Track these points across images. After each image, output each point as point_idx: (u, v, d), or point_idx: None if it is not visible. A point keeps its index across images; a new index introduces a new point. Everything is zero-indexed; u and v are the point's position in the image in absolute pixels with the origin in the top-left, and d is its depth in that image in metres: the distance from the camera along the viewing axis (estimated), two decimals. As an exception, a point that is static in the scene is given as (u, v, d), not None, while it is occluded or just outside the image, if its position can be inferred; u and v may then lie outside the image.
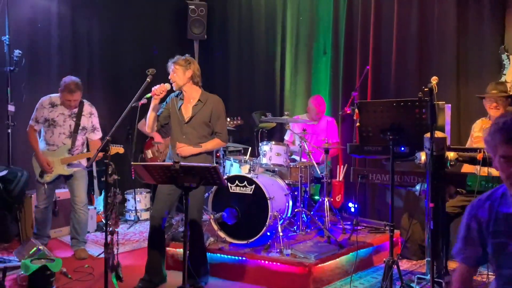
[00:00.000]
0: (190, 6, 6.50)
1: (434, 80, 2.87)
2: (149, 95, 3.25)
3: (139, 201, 5.54)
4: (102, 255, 2.83)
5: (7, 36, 4.82)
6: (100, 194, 5.26)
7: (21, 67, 4.86)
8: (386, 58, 4.76)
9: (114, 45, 5.95)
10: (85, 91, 5.67)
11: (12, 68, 4.84)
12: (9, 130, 4.78)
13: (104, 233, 2.66)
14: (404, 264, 4.04)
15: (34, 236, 4.34)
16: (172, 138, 3.49)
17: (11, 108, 4.79)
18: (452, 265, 3.86)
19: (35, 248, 3.61)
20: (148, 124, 3.40)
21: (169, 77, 3.37)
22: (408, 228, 4.12)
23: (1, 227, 4.52)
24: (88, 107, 4.25)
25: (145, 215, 5.54)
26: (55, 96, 4.16)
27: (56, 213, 4.85)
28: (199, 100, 3.41)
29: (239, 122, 4.89)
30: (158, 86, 3.28)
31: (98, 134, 4.27)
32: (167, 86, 3.32)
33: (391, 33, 4.67)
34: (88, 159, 4.25)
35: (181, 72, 3.34)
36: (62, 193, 4.80)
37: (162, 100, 3.41)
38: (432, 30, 4.44)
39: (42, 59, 5.17)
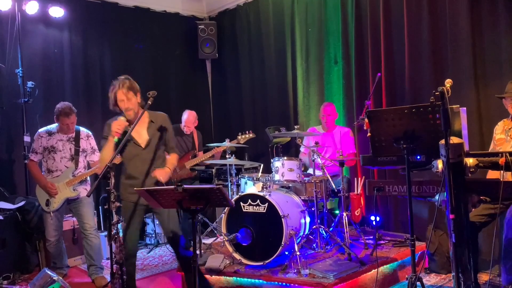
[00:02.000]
0: (199, 26, 6.54)
1: (448, 83, 2.71)
2: (116, 138, 2.97)
3: (158, 225, 5.49)
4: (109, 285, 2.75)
5: (20, 68, 4.93)
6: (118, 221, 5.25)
7: (35, 98, 4.95)
8: (399, 64, 4.60)
9: (126, 71, 5.90)
10: (99, 118, 5.78)
11: (26, 100, 4.94)
12: (26, 161, 4.84)
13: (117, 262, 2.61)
14: (432, 279, 3.81)
15: (53, 265, 4.34)
16: (132, 169, 3.18)
17: (27, 139, 4.85)
18: (484, 277, 3.63)
19: (48, 279, 3.57)
20: (104, 160, 2.96)
21: (121, 106, 3.07)
22: (434, 240, 3.90)
23: (21, 258, 4.55)
24: (84, 131, 4.32)
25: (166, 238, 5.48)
26: (50, 126, 4.23)
27: (75, 241, 4.86)
28: (150, 121, 3.21)
29: (251, 135, 4.80)
30: (117, 124, 3.01)
31: (98, 155, 4.27)
32: (123, 119, 3.07)
33: (402, 37, 4.52)
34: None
35: (133, 97, 3.12)
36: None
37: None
38: (444, 32, 4.26)
39: (55, 89, 5.26)
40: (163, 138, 3.24)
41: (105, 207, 2.52)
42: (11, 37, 4.93)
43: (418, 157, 2.91)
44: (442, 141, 2.54)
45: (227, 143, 4.60)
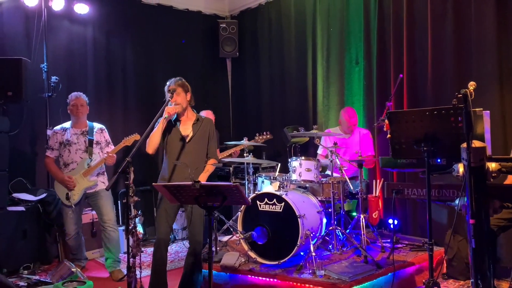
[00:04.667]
0: (221, 25, 6.56)
1: (471, 85, 2.66)
2: (166, 115, 3.31)
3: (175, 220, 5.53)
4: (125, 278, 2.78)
5: (45, 63, 5.03)
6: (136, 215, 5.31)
7: (58, 92, 5.05)
8: (422, 66, 4.53)
9: (148, 66, 6.08)
10: (121, 113, 5.86)
11: (50, 94, 5.04)
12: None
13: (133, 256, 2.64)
14: (450, 285, 3.74)
15: (71, 257, 4.42)
16: (171, 159, 3.45)
17: (49, 132, 4.95)
18: (504, 286, 3.55)
19: (67, 271, 3.64)
20: (152, 145, 3.36)
21: (171, 100, 3.35)
22: (453, 245, 3.83)
23: (41, 249, 4.65)
24: (97, 124, 4.44)
25: (183, 234, 5.53)
26: (65, 123, 4.38)
27: (94, 234, 4.94)
28: (196, 119, 3.52)
29: (268, 136, 4.80)
30: (173, 105, 3.34)
31: (112, 148, 4.36)
32: (178, 107, 3.38)
33: (426, 38, 4.45)
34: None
35: (183, 94, 3.45)
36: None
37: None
38: (469, 33, 4.17)
39: (78, 84, 5.34)
40: (206, 139, 3.52)
41: (124, 201, 2.55)
42: (37, 33, 5.04)
43: (439, 160, 2.88)
44: (464, 145, 2.50)
45: (245, 142, 4.60)
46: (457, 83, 4.16)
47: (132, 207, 2.58)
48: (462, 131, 2.60)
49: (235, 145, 5.65)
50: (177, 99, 3.39)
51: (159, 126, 3.35)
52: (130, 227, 2.57)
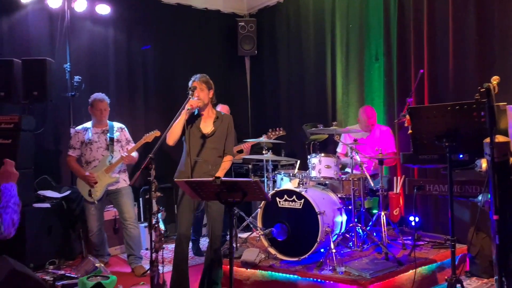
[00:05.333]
0: (239, 23, 6.58)
1: (494, 80, 2.62)
2: (189, 108, 3.37)
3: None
4: (148, 273, 2.84)
5: (68, 63, 5.14)
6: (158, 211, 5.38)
7: (81, 92, 5.15)
8: (443, 61, 4.46)
9: (167, 67, 6.15)
10: (142, 112, 5.95)
11: (73, 93, 5.15)
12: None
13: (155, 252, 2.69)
14: (473, 283, 3.69)
15: (95, 253, 4.51)
16: (191, 155, 3.49)
17: (73, 131, 5.06)
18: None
19: (91, 266, 3.72)
20: (173, 137, 3.41)
21: (194, 94, 3.40)
22: (476, 243, 3.77)
23: (65, 246, 4.75)
24: (117, 123, 4.52)
25: (204, 230, 5.55)
26: (86, 123, 4.47)
27: (116, 230, 5.03)
28: (216, 117, 3.58)
29: (281, 132, 4.79)
30: (195, 99, 3.39)
31: (133, 145, 4.43)
32: (200, 102, 3.44)
33: (447, 32, 4.38)
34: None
35: (206, 91, 3.50)
36: (119, 211, 4.96)
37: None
38: (492, 27, 4.09)
39: (100, 84, 5.44)
40: (224, 136, 3.57)
41: (147, 196, 2.60)
42: (61, 34, 5.15)
43: (461, 155, 2.85)
44: (487, 140, 2.47)
45: (263, 139, 4.62)
46: (479, 79, 4.09)
47: (154, 202, 2.63)
48: (485, 126, 2.57)
49: (253, 143, 5.67)
50: (200, 94, 3.44)
51: (181, 118, 3.38)
52: (152, 222, 2.62)
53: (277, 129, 4.81)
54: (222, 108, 5.26)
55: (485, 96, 2.47)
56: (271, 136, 4.74)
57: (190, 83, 3.50)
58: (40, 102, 4.67)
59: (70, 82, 5.14)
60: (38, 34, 5.13)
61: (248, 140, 5.11)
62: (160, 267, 2.69)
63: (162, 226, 5.07)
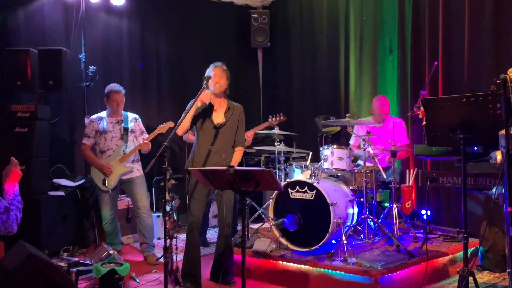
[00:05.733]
0: (252, 15, 6.58)
1: (511, 72, 2.59)
2: (199, 104, 3.40)
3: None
4: (162, 260, 2.88)
5: (83, 54, 5.19)
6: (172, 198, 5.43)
7: (95, 82, 5.21)
8: (458, 52, 4.42)
9: (180, 57, 6.18)
10: (155, 103, 5.99)
11: (88, 84, 5.21)
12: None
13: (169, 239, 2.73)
14: (485, 277, 3.68)
15: (108, 241, 4.57)
16: (201, 144, 3.53)
17: (87, 120, 5.12)
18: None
19: (105, 253, 3.79)
20: (182, 129, 3.42)
21: (213, 80, 3.45)
22: (488, 237, 3.75)
23: (79, 233, 4.83)
24: (131, 114, 4.55)
25: (213, 221, 5.61)
26: (101, 113, 4.51)
27: (128, 220, 5.09)
28: (228, 107, 3.60)
29: (282, 118, 4.78)
30: (206, 91, 3.39)
31: (146, 136, 4.47)
32: (209, 92, 3.46)
33: (462, 23, 4.33)
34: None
35: (225, 79, 3.55)
36: (132, 201, 5.01)
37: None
38: (509, 19, 4.04)
39: (114, 74, 5.49)
40: (235, 126, 3.61)
41: (161, 184, 2.64)
42: (76, 24, 5.20)
43: (475, 148, 2.83)
44: (502, 132, 2.45)
45: (276, 131, 4.63)
46: (494, 72, 4.04)
47: (169, 190, 2.66)
48: (501, 118, 2.55)
49: (265, 135, 5.69)
50: (220, 81, 3.50)
51: (191, 112, 3.40)
52: (167, 210, 2.65)
53: (277, 115, 4.81)
54: None
55: (501, 87, 2.45)
56: (273, 122, 4.75)
57: (209, 71, 3.52)
58: (56, 92, 4.73)
59: (85, 72, 5.20)
60: (54, 25, 5.19)
61: (261, 132, 5.12)
62: (173, 255, 2.72)
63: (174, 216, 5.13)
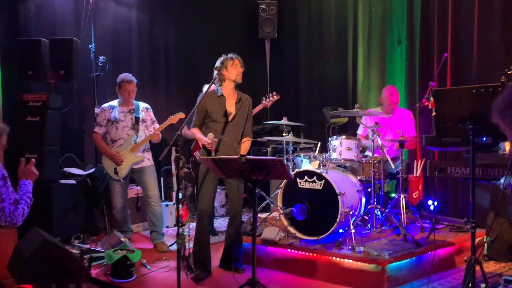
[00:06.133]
0: (261, 6, 6.57)
1: (521, 63, 2.61)
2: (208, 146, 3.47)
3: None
4: (174, 246, 2.94)
5: (93, 44, 5.23)
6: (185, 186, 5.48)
7: (105, 72, 5.25)
8: (467, 44, 4.43)
9: (189, 47, 6.21)
10: (163, 93, 6.03)
11: (97, 74, 5.25)
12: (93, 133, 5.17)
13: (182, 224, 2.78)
14: (491, 266, 3.72)
15: (118, 229, 4.64)
16: (214, 134, 3.54)
17: (97, 110, 5.17)
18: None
19: (117, 240, 3.85)
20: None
21: (235, 71, 3.53)
22: (495, 227, 3.79)
23: (90, 221, 4.91)
24: (142, 104, 4.59)
25: (220, 211, 5.67)
26: (112, 101, 4.54)
27: (138, 208, 5.16)
28: (239, 98, 3.66)
29: (275, 97, 4.82)
30: (209, 142, 3.44)
31: (158, 126, 4.51)
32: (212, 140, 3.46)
33: (472, 15, 4.33)
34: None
35: (239, 69, 3.59)
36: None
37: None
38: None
39: (123, 64, 5.53)
40: (245, 118, 3.66)
41: (175, 171, 2.68)
42: (86, 14, 5.22)
43: (484, 138, 2.85)
44: (512, 122, 2.47)
45: (284, 121, 4.66)
46: (504, 63, 4.05)
47: (181, 178, 2.71)
48: (510, 109, 2.56)
49: (273, 126, 5.73)
50: (231, 69, 3.55)
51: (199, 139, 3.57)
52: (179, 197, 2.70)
53: (271, 94, 4.84)
54: None
55: (511, 78, 2.48)
56: (267, 103, 4.78)
57: (224, 62, 3.56)
58: (67, 81, 4.77)
59: (95, 62, 5.23)
60: (64, 15, 5.21)
61: (268, 122, 5.15)
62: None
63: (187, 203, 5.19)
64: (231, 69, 3.54)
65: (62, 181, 4.65)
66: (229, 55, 3.59)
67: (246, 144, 3.68)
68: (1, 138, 2.76)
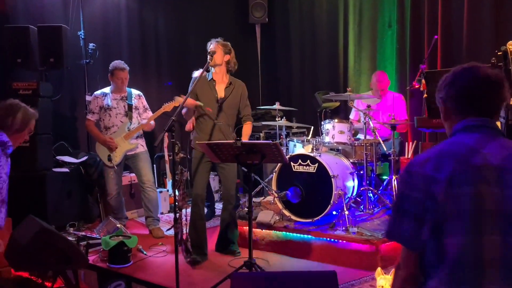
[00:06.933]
0: (250, -10, 6.53)
1: (510, 44, 2.65)
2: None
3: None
4: (171, 231, 2.97)
5: (82, 30, 5.16)
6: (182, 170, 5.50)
7: (95, 59, 5.20)
8: (457, 26, 4.47)
9: (179, 33, 6.17)
10: (155, 79, 6.00)
11: (87, 61, 5.20)
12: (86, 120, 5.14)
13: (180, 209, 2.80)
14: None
15: (113, 216, 4.65)
16: (205, 119, 3.58)
17: (88, 98, 5.13)
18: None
19: (113, 226, 3.88)
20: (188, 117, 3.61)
21: (209, 51, 3.50)
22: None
23: (84, 209, 4.91)
24: (135, 91, 4.57)
25: (216, 196, 5.70)
26: (105, 88, 4.51)
27: (132, 195, 5.18)
28: (230, 83, 3.64)
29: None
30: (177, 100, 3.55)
31: (150, 113, 4.51)
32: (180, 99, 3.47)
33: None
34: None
35: (221, 53, 3.55)
36: (136, 176, 5.08)
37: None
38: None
39: (113, 51, 5.48)
40: (237, 102, 3.65)
41: (170, 157, 2.69)
42: (74, 1, 5.15)
43: (475, 119, 2.90)
44: (502, 102, 2.52)
45: (276, 106, 4.67)
46: (494, 45, 4.09)
47: (177, 163, 2.73)
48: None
49: (265, 111, 5.73)
50: (214, 56, 3.49)
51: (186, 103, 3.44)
52: (176, 182, 2.72)
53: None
54: None
55: (501, 59, 2.52)
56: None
57: (208, 46, 3.56)
58: (57, 69, 4.72)
59: (85, 50, 5.18)
60: (52, 1, 5.14)
61: (260, 107, 5.15)
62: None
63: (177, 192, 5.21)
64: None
65: (56, 170, 4.63)
66: (213, 40, 3.60)
67: (246, 129, 3.67)
68: (30, 123, 2.73)
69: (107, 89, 4.51)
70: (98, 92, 4.53)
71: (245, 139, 3.55)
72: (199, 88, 3.58)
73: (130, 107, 4.45)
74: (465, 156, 1.32)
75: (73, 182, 4.79)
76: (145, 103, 4.59)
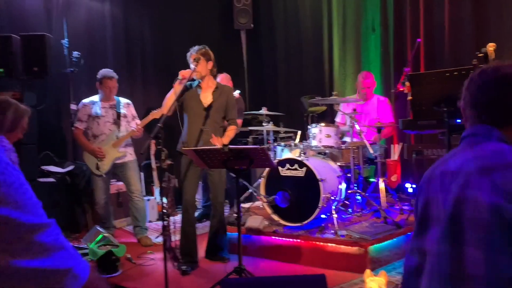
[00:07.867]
0: (235, -4, 6.55)
1: (491, 46, 2.72)
2: (180, 77, 3.43)
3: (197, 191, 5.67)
4: (160, 239, 2.94)
5: (66, 39, 5.12)
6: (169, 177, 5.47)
7: (80, 67, 5.15)
8: (439, 30, 4.55)
9: (164, 40, 6.16)
10: (140, 86, 5.98)
11: (72, 70, 5.15)
12: (73, 128, 5.09)
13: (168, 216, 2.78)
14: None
15: (101, 225, 4.60)
16: (192, 125, 3.58)
17: (73, 107, 5.08)
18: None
19: (101, 236, 3.83)
20: (166, 105, 3.49)
21: (192, 67, 3.44)
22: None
23: (71, 219, 4.85)
24: (123, 99, 4.55)
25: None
26: (93, 96, 4.48)
27: (120, 204, 5.13)
28: (216, 87, 3.64)
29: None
30: (184, 71, 3.45)
31: (139, 122, 4.46)
32: (188, 72, 3.46)
33: (443, 2, 4.44)
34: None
35: (204, 63, 3.52)
36: (123, 185, 5.04)
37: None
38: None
39: (99, 59, 5.44)
40: (224, 107, 3.64)
41: (157, 164, 2.68)
42: (57, 9, 5.12)
43: (458, 120, 2.95)
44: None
45: (263, 111, 4.69)
46: (475, 47, 4.17)
47: (165, 170, 2.71)
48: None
49: (252, 116, 5.74)
50: (197, 66, 3.46)
51: (174, 89, 3.45)
52: (164, 189, 2.71)
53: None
54: (223, 79, 5.23)
55: (482, 61, 2.57)
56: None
57: (188, 55, 3.55)
58: (41, 78, 4.66)
59: (69, 58, 5.13)
60: (34, 9, 5.08)
61: (248, 112, 5.14)
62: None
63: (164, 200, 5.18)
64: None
65: (41, 180, 4.57)
66: (193, 50, 3.55)
67: (229, 132, 3.63)
68: (22, 120, 2.62)
69: (95, 97, 4.47)
70: (86, 100, 4.48)
71: (226, 140, 3.51)
72: (186, 94, 3.57)
73: (119, 115, 4.41)
74: (434, 167, 1.35)
75: (59, 192, 4.73)
76: (133, 111, 4.56)
